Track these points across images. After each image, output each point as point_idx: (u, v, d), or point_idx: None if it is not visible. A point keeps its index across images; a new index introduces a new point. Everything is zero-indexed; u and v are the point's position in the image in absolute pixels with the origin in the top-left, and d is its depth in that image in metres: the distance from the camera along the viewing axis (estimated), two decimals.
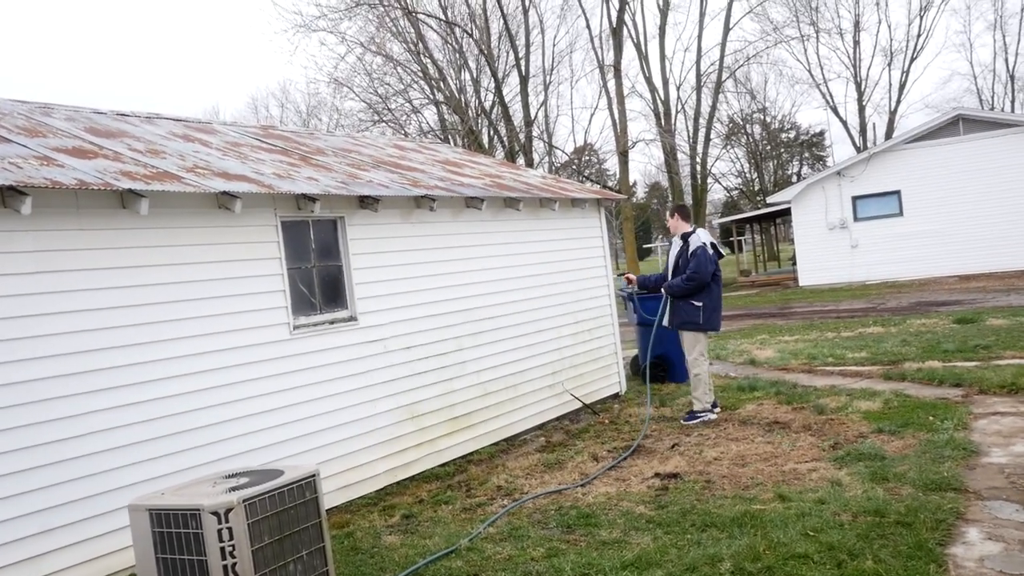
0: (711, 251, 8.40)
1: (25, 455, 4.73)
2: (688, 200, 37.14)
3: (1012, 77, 44.17)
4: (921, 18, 41.27)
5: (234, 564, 3.65)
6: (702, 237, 8.50)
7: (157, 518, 3.79)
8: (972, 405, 7.81)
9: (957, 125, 24.34)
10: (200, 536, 3.67)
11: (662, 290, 8.69)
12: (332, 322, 6.74)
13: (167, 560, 3.78)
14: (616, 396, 10.23)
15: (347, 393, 6.74)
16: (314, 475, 4.10)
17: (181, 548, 3.73)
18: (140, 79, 73.36)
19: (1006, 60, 49.04)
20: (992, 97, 45.11)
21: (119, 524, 4.86)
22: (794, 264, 28.84)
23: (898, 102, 42.64)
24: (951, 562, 4.31)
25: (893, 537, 4.63)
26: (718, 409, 8.52)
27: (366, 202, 7.01)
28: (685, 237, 8.56)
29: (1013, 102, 43.88)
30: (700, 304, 8.33)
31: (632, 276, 9.53)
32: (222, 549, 3.64)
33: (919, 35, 45.26)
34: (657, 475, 6.43)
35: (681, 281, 8.34)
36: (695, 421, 8.27)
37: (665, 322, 8.69)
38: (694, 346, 8.47)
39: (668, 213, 8.98)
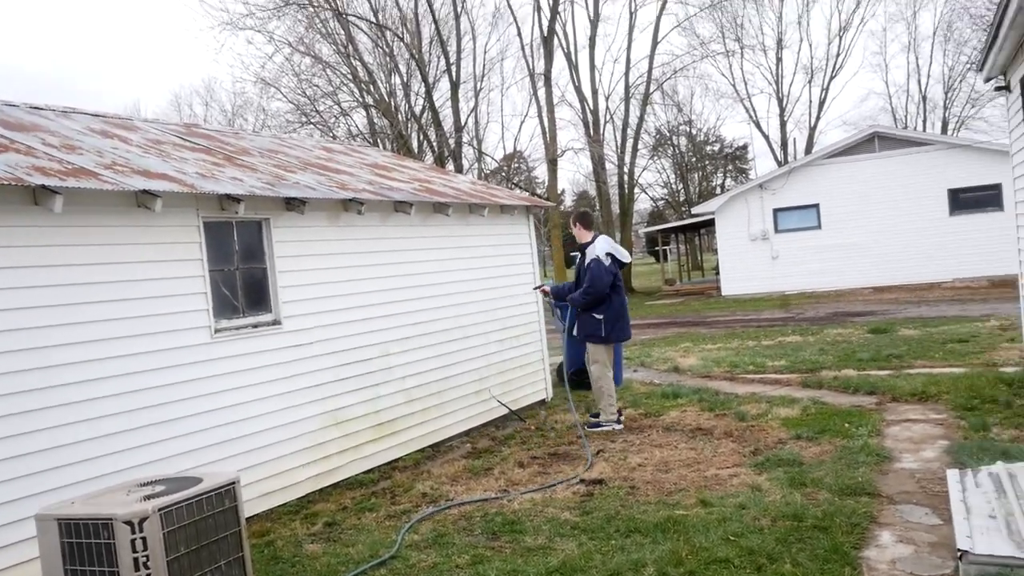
0: (608, 262, 8.35)
1: None
2: (615, 210, 37.56)
3: (924, 97, 45.98)
4: (840, 38, 42.56)
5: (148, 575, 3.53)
6: (598, 248, 8.43)
7: (67, 528, 3.64)
8: (885, 412, 8.08)
9: (873, 142, 25.27)
10: (112, 547, 3.53)
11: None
12: (255, 326, 6.59)
13: (77, 572, 3.63)
14: (543, 403, 10.26)
15: (270, 399, 6.60)
16: (234, 482, 4.00)
17: (92, 560, 3.59)
18: (56, 72, 70.76)
19: (919, 81, 51.55)
20: (906, 116, 46.86)
21: (25, 535, 4.65)
22: (717, 274, 29.46)
23: (818, 118, 43.95)
24: (865, 564, 4.44)
25: (810, 541, 4.75)
26: (622, 423, 8.48)
27: (292, 204, 6.89)
28: (582, 248, 8.58)
29: (925, 121, 45.65)
30: (601, 317, 8.37)
31: (547, 287, 9.40)
32: (135, 560, 3.52)
33: (838, 54, 46.75)
34: (582, 481, 6.47)
35: (580, 295, 8.40)
36: (598, 429, 8.33)
37: (575, 332, 8.74)
38: (595, 358, 8.57)
39: (571, 221, 8.96)
